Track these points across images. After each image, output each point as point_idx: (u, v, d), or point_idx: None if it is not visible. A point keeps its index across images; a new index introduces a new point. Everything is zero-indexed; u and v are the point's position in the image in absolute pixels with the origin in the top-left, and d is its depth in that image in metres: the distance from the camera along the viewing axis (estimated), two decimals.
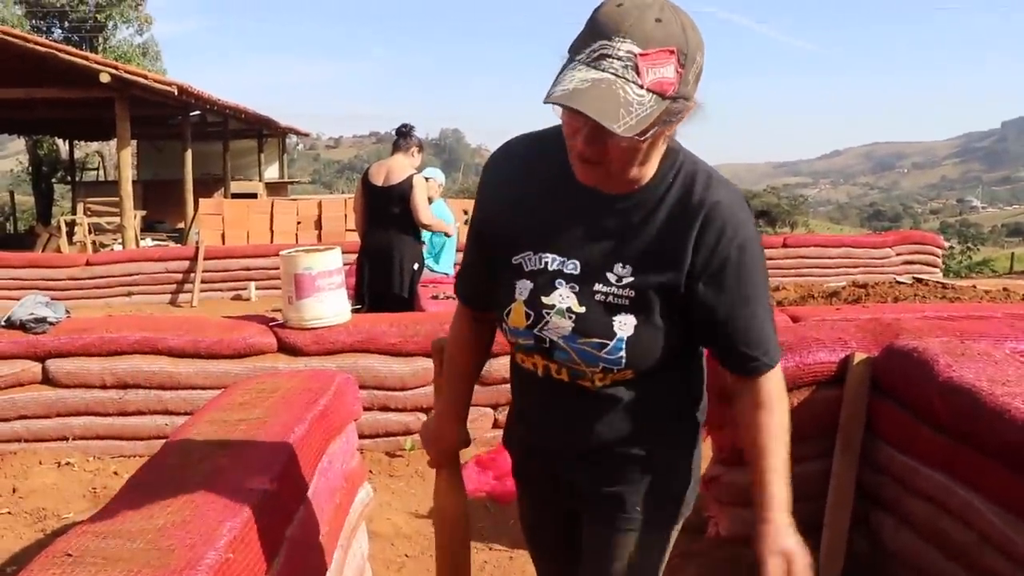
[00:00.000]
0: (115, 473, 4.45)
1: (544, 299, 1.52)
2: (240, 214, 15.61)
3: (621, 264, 1.48)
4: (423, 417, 4.60)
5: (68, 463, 4.51)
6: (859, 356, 2.90)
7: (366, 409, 4.54)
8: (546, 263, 1.52)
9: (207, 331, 4.77)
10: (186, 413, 4.65)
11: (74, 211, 19.02)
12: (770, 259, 13.08)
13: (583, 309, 1.49)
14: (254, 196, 22.29)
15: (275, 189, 24.35)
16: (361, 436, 4.56)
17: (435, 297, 6.21)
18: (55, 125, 23.28)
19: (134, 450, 4.66)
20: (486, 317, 1.73)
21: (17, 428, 4.58)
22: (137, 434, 4.67)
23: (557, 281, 1.51)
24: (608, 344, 1.48)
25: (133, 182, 15.98)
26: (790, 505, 1.54)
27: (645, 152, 1.38)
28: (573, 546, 1.78)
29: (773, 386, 1.57)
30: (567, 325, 1.50)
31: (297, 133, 27.20)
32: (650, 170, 1.45)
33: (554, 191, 1.51)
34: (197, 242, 12.46)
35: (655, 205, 1.46)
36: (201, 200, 16.46)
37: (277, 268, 5.20)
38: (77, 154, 28.13)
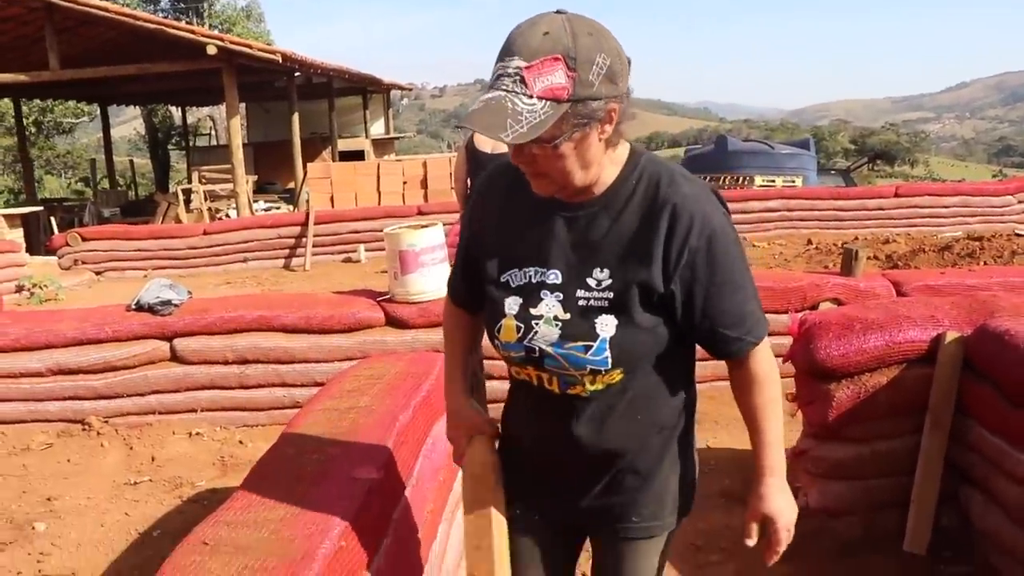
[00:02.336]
0: (240, 442, 4.79)
1: (532, 310, 1.59)
2: (347, 176, 16.04)
3: (599, 268, 1.55)
4: None
5: (198, 433, 4.89)
6: (951, 335, 2.90)
7: None
8: (530, 276, 1.61)
9: (318, 307, 5.04)
10: (302, 385, 4.97)
11: (189, 178, 19.85)
12: (881, 209, 12.69)
13: (568, 316, 1.56)
14: (361, 153, 22.79)
15: (381, 145, 24.74)
16: None
17: None
18: (167, 94, 24.25)
19: (256, 420, 5.01)
20: (473, 313, 1.86)
21: (152, 402, 4.99)
22: (258, 405, 5.01)
23: (543, 292, 1.59)
24: (592, 345, 1.53)
25: (244, 145, 16.57)
26: (781, 467, 1.70)
27: (579, 155, 1.46)
28: (556, 562, 1.88)
29: (759, 364, 1.64)
30: (554, 333, 1.56)
31: (401, 88, 27.48)
32: (598, 172, 1.53)
33: (531, 209, 1.60)
34: (307, 207, 12.87)
35: (622, 207, 1.55)
36: (309, 165, 16.96)
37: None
38: (189, 119, 29.24)
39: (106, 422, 4.97)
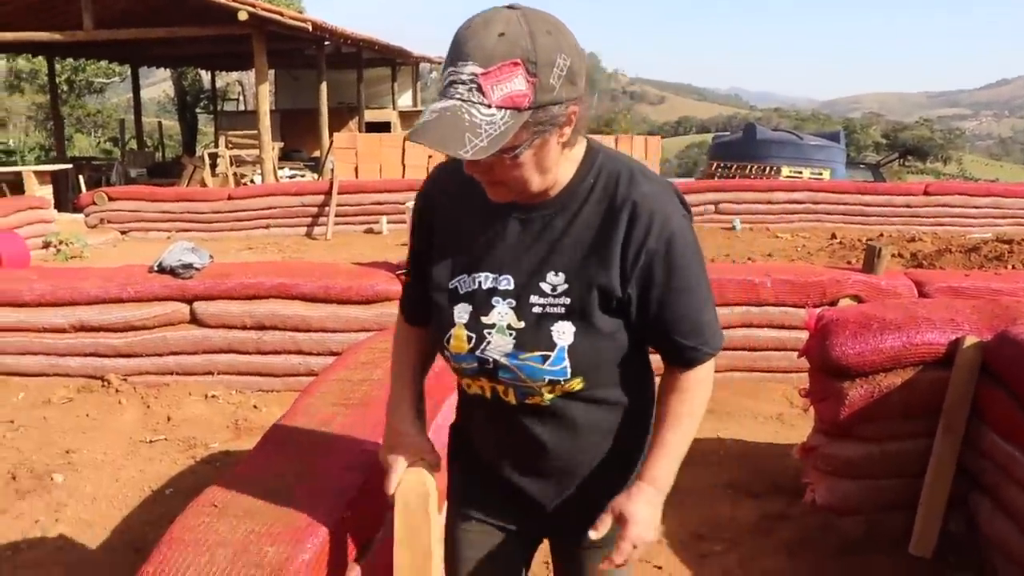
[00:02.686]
0: (255, 407, 4.84)
1: (484, 319, 1.47)
2: (373, 148, 16.05)
3: (553, 272, 1.45)
4: None
5: (214, 396, 4.95)
6: (970, 340, 2.87)
7: None
8: (479, 282, 1.49)
9: (338, 278, 5.08)
10: (318, 354, 5.02)
11: (217, 143, 19.95)
12: (908, 207, 12.56)
13: (522, 324, 1.45)
14: (387, 125, 22.78)
15: (408, 117, 24.69)
16: None
17: None
18: (197, 58, 24.34)
19: (271, 386, 5.06)
20: (425, 329, 1.71)
21: (170, 363, 5.05)
22: (273, 371, 5.06)
23: (494, 299, 1.47)
24: (550, 355, 1.43)
25: (271, 111, 16.60)
26: (666, 483, 1.51)
27: (538, 161, 1.36)
28: (514, 570, 1.79)
29: (699, 372, 1.54)
30: (508, 343, 1.45)
31: (430, 61, 27.44)
32: (557, 174, 1.42)
33: (480, 212, 1.49)
34: (332, 177, 12.91)
35: (578, 208, 1.45)
36: (335, 134, 16.98)
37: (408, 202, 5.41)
38: (218, 83, 29.33)
39: (125, 380, 5.04)
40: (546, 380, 1.46)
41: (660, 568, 3.08)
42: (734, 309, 4.75)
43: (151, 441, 4.36)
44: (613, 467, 1.61)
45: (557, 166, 1.41)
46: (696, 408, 1.55)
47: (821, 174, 16.49)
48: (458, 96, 1.25)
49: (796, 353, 3.40)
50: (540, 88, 1.26)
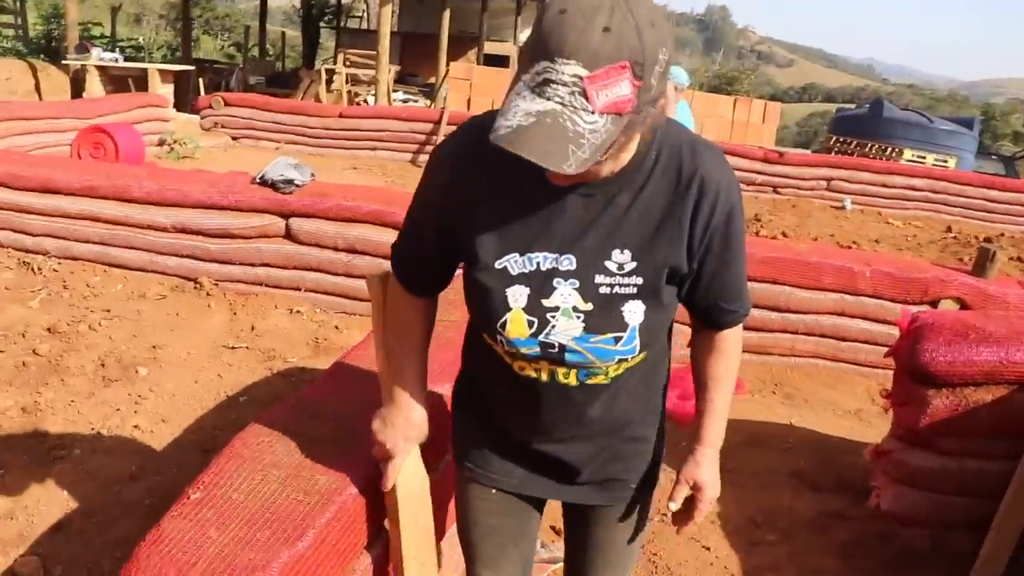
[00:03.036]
0: (336, 327, 4.96)
1: (545, 302, 1.40)
2: (489, 81, 15.99)
3: (619, 250, 1.38)
4: None
5: (298, 311, 5.08)
6: None
7: None
8: (537, 263, 1.39)
9: None
10: None
11: (335, 59, 20.17)
12: None
13: (590, 306, 1.39)
14: (506, 59, 22.60)
15: None
16: None
17: None
18: None
19: (355, 309, 5.16)
20: (433, 297, 1.66)
21: (260, 274, 5.20)
22: (359, 296, 5.15)
23: (555, 280, 1.39)
24: (623, 336, 1.41)
25: (392, 33, 16.66)
26: (720, 440, 1.65)
27: (618, 154, 1.28)
28: (530, 539, 1.81)
29: (733, 334, 1.60)
30: (577, 326, 1.40)
31: None
32: (629, 156, 1.34)
33: (531, 186, 1.35)
34: (443, 106, 12.93)
35: (643, 182, 1.37)
36: (452, 63, 16.95)
37: None
38: (344, 0, 29.54)
39: (216, 285, 5.22)
40: (615, 360, 1.45)
41: (708, 549, 3.05)
42: (828, 295, 4.58)
43: (233, 347, 4.52)
44: (643, 428, 1.64)
45: (632, 149, 1.33)
46: (735, 367, 1.64)
47: (946, 162, 15.68)
48: (558, 100, 1.12)
49: (885, 350, 3.28)
50: (644, 89, 1.15)
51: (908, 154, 15.83)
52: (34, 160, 5.80)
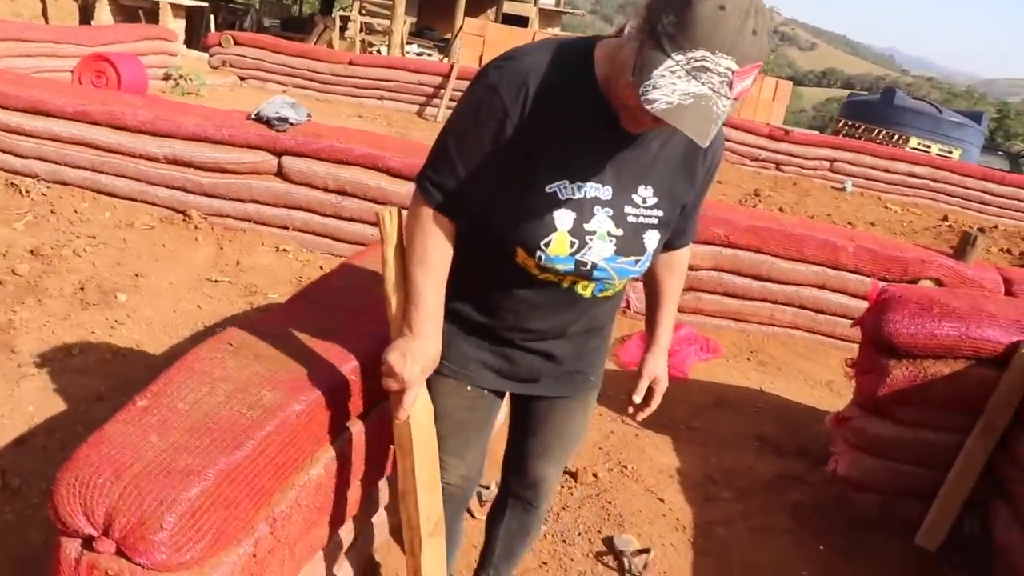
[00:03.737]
0: (321, 268, 4.97)
1: (586, 226, 1.59)
2: (501, 38, 15.88)
3: (644, 186, 1.62)
4: None
5: (284, 250, 5.10)
6: None
7: None
8: (585, 191, 1.57)
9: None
10: None
11: (351, 6, 19.97)
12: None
13: (620, 232, 1.61)
14: (525, 20, 22.41)
15: (549, 17, 24.18)
16: None
17: None
18: None
19: (341, 251, 5.17)
20: (459, 225, 1.69)
21: (249, 210, 5.20)
22: (346, 237, 5.17)
23: (595, 208, 1.59)
24: (641, 259, 1.67)
25: None
26: (668, 343, 1.97)
27: None
28: (485, 431, 2.01)
29: (685, 255, 1.93)
30: (609, 248, 1.61)
31: None
32: None
33: (582, 120, 1.54)
34: (454, 61, 12.84)
35: (670, 135, 1.59)
36: (467, 19, 16.81)
37: None
38: None
39: (205, 219, 5.23)
40: (629, 278, 1.72)
41: (663, 501, 3.10)
42: (810, 267, 4.59)
43: (216, 280, 4.55)
44: (610, 322, 1.93)
45: None
46: (683, 282, 1.99)
47: (951, 152, 15.60)
48: (711, 87, 1.30)
49: (851, 322, 3.30)
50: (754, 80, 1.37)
51: (913, 142, 15.76)
52: (27, 81, 5.77)
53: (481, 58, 15.68)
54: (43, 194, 5.31)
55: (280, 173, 5.16)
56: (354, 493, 2.16)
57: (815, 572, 2.81)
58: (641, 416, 1.96)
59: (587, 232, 1.59)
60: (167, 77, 10.58)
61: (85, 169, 5.30)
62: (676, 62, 1.30)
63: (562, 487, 3.09)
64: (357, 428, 2.10)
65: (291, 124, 5.18)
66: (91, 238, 4.80)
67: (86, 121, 5.22)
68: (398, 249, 1.71)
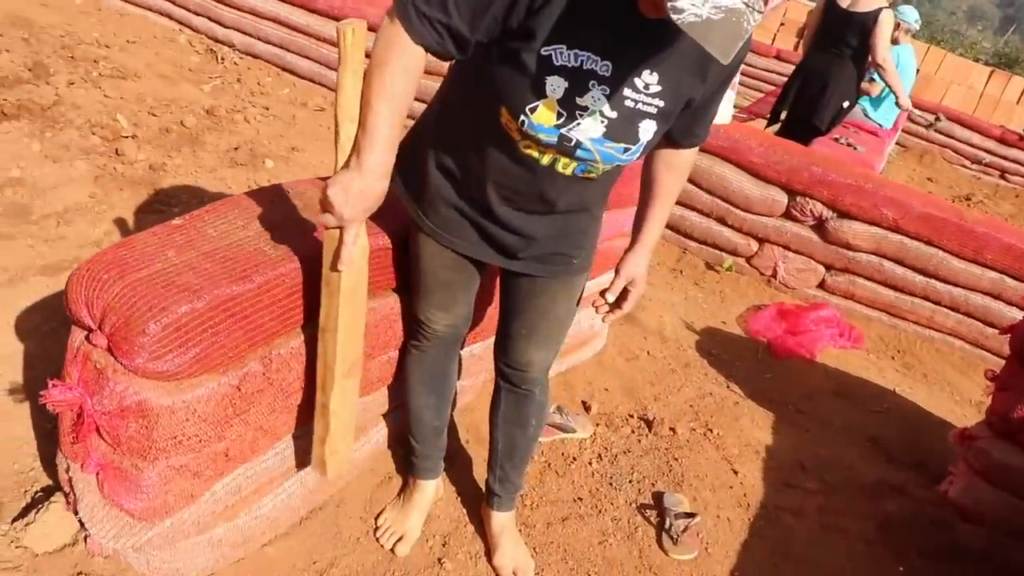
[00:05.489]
0: None
1: (579, 100, 1.46)
2: None
3: (649, 71, 1.47)
4: (753, 243, 4.46)
5: None
6: None
7: (705, 215, 4.51)
8: (581, 61, 1.43)
9: None
10: None
11: None
12: None
13: (614, 114, 1.48)
14: None
15: None
16: (690, 238, 4.59)
17: (837, 139, 5.74)
18: None
19: None
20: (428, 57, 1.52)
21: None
22: None
23: (591, 82, 1.45)
24: (631, 148, 1.55)
25: None
26: (655, 245, 1.89)
27: None
28: (471, 287, 1.97)
29: (692, 154, 1.79)
30: (599, 128, 1.49)
31: None
32: None
33: None
34: None
35: None
36: None
37: None
38: None
39: None
40: (615, 165, 1.59)
41: (736, 473, 2.85)
42: (987, 272, 4.04)
43: None
44: (598, 204, 1.82)
45: None
46: (682, 186, 1.87)
47: None
48: (746, 1, 1.19)
49: (998, 331, 2.88)
50: None
51: None
52: None
53: None
54: (235, 63, 5.58)
55: None
56: (371, 364, 2.10)
57: None
58: (610, 318, 1.88)
59: (578, 107, 1.47)
60: None
61: (275, 45, 5.52)
62: None
63: (632, 432, 2.92)
64: (388, 300, 2.04)
65: None
66: (264, 108, 4.99)
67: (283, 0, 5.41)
68: (356, 72, 1.51)
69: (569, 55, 1.43)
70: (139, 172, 3.72)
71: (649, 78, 1.47)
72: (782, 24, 14.47)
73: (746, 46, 1.53)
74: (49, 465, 2.06)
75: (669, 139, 1.71)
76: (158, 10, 5.96)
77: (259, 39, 5.56)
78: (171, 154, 3.99)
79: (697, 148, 1.79)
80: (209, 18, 5.76)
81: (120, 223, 3.27)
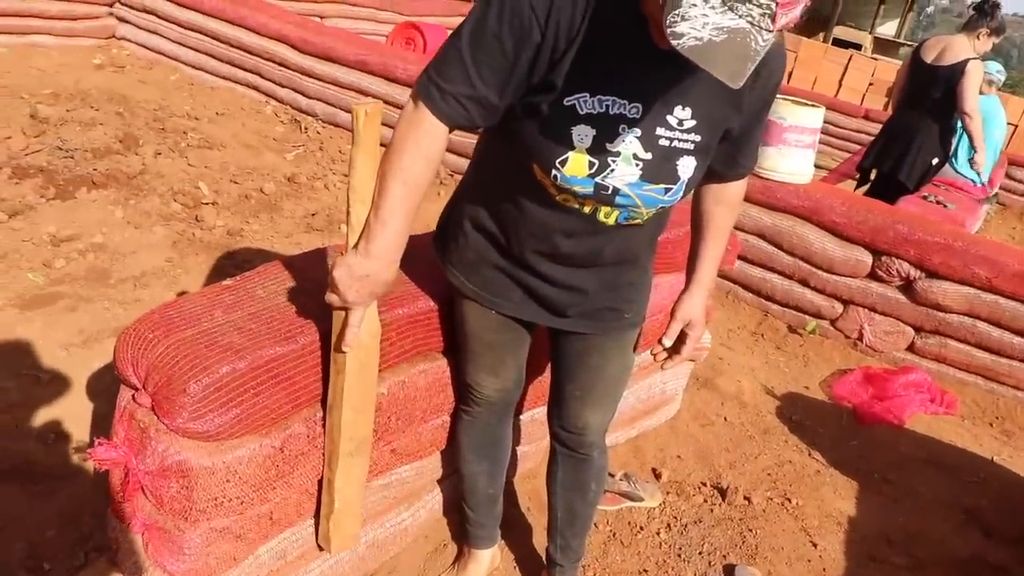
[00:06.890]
0: None
1: (609, 146, 1.41)
2: (814, 56, 15.05)
3: (681, 107, 1.43)
4: (837, 306, 4.29)
5: None
6: None
7: (787, 276, 4.38)
8: (607, 106, 1.39)
9: None
10: None
11: None
12: None
13: (649, 155, 1.44)
14: (858, 47, 21.02)
15: (885, 47, 22.35)
16: (771, 300, 4.45)
17: (925, 197, 5.53)
18: None
19: None
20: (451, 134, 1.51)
21: None
22: None
23: (621, 126, 1.40)
24: (673, 188, 1.49)
25: None
26: (712, 285, 1.83)
27: None
28: (520, 351, 1.91)
29: (740, 187, 1.74)
30: (634, 172, 1.44)
31: None
32: None
33: (614, 31, 1.37)
34: None
35: None
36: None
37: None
38: None
39: (451, 175, 5.37)
40: (658, 208, 1.53)
41: (815, 546, 2.69)
42: None
43: None
44: (648, 254, 1.77)
45: None
46: (735, 220, 1.83)
47: None
48: (749, 19, 1.13)
49: None
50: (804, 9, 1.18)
51: None
52: (324, 30, 6.25)
53: (790, 74, 14.89)
54: (318, 132, 5.75)
55: None
56: (423, 428, 2.05)
57: None
58: (670, 365, 1.82)
59: (610, 153, 1.42)
60: None
61: None
62: (719, 1, 1.12)
63: (704, 501, 2.79)
64: (438, 363, 2.00)
65: None
66: (344, 176, 5.10)
67: (363, 70, 5.58)
68: (370, 153, 1.50)
69: (593, 102, 1.40)
70: (216, 237, 3.83)
71: (682, 113, 1.43)
72: (871, 84, 14.23)
73: (780, 68, 1.51)
74: (105, 525, 2.07)
75: (714, 173, 1.66)
76: (246, 83, 6.22)
77: (341, 108, 5.73)
78: (249, 220, 4.10)
79: (746, 179, 1.74)
80: (294, 89, 5.97)
81: (194, 287, 3.35)
